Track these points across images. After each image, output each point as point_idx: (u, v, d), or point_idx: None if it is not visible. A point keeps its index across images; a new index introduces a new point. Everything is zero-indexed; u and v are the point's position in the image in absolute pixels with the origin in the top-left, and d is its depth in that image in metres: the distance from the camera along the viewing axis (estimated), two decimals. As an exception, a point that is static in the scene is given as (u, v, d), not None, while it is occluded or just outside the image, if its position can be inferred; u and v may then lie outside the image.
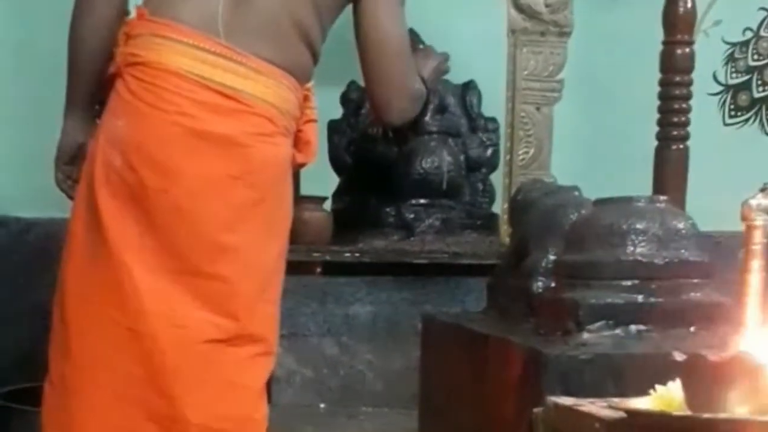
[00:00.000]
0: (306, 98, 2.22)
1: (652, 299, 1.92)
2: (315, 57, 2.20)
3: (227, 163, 2.05)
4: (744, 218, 1.43)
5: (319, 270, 3.18)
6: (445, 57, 2.87)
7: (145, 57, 2.07)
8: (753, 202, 1.42)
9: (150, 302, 2.02)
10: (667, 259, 1.94)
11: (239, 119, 2.06)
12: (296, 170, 2.27)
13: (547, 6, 3.65)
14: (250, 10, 2.09)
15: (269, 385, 3.14)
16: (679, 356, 1.36)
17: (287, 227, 2.21)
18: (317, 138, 2.28)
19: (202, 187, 2.04)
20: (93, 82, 2.18)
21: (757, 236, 1.42)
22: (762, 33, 4.19)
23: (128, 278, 2.02)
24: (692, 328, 1.90)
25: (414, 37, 3.46)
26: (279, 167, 2.13)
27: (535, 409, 1.73)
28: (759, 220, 1.42)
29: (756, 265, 1.42)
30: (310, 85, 2.23)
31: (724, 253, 1.97)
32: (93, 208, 2.05)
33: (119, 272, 2.03)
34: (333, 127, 3.42)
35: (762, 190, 1.44)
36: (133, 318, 2.03)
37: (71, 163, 2.21)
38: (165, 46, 2.06)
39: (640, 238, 1.95)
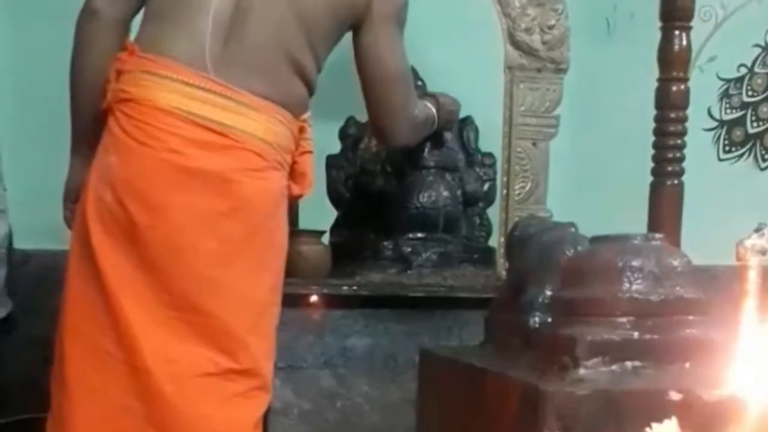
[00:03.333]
0: (302, 130, 2.22)
1: (648, 336, 1.93)
2: (310, 88, 2.20)
3: (216, 199, 2.05)
4: (738, 258, 1.45)
5: (316, 303, 3.19)
6: (457, 103, 2.89)
7: (135, 94, 2.07)
8: (747, 243, 1.45)
9: (143, 337, 2.03)
10: (663, 296, 1.95)
11: (228, 155, 2.06)
12: (293, 202, 2.28)
13: (543, 43, 3.68)
14: (241, 45, 2.09)
15: (266, 417, 3.15)
16: (675, 395, 1.38)
17: (281, 260, 2.20)
18: (313, 169, 2.28)
19: (191, 223, 2.04)
20: (97, 120, 2.18)
21: (752, 276, 1.44)
22: (756, 69, 4.23)
23: (121, 313, 2.03)
24: (688, 365, 1.91)
25: (412, 73, 3.50)
26: (270, 202, 2.13)
27: (532, 445, 1.74)
28: (753, 261, 1.44)
29: (751, 304, 1.44)
30: (306, 116, 2.23)
31: (720, 287, 1.99)
32: (86, 243, 2.06)
33: (113, 307, 2.03)
34: (331, 161, 3.44)
35: (756, 230, 1.47)
36: (128, 352, 2.03)
37: (79, 201, 2.21)
38: (154, 82, 2.06)
39: (636, 275, 1.97)
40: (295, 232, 2.96)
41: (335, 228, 3.45)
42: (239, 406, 2.14)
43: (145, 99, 2.06)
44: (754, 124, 4.25)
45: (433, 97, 2.84)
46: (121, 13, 2.17)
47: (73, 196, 2.26)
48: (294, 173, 2.23)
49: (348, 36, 2.37)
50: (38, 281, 3.36)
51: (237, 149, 2.07)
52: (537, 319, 2.18)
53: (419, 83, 3.46)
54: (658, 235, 2.12)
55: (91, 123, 2.20)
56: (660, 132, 3.06)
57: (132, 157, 2.06)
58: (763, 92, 4.24)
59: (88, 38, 2.17)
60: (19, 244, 3.16)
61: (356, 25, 2.29)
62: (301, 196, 2.29)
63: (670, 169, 3.06)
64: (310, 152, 2.27)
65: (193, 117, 2.05)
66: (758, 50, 4.23)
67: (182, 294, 2.05)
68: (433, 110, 2.63)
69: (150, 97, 2.05)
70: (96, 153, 2.13)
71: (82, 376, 2.08)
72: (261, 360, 2.17)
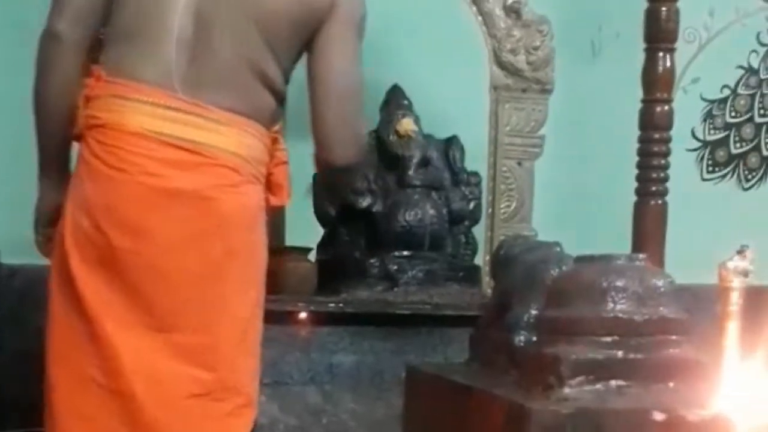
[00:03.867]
0: (275, 141, 2.18)
1: (632, 355, 1.94)
2: (278, 99, 2.17)
3: (196, 218, 2.03)
4: (721, 280, 1.47)
5: (302, 319, 3.20)
6: None
7: (105, 119, 2.05)
8: (730, 265, 1.47)
9: (128, 361, 2.02)
10: (646, 316, 1.97)
11: (203, 172, 2.04)
12: (276, 218, 2.27)
13: (528, 64, 3.72)
14: (206, 61, 2.07)
15: (252, 433, 3.16)
16: (658, 416, 1.39)
17: (262, 275, 2.18)
18: (289, 180, 2.25)
19: (175, 245, 2.02)
20: (63, 142, 2.16)
21: (734, 297, 1.46)
22: (739, 90, 4.27)
23: (105, 339, 2.02)
24: (671, 384, 1.92)
25: (398, 93, 3.52)
26: (248, 217, 2.11)
27: (517, 463, 1.75)
28: (735, 282, 1.46)
29: (733, 326, 1.46)
30: (277, 127, 2.21)
31: (703, 306, 2.01)
32: (66, 271, 2.05)
33: (96, 334, 2.02)
34: (318, 179, 3.46)
35: (738, 252, 1.49)
36: (114, 378, 2.03)
37: (51, 226, 2.17)
38: (124, 106, 2.04)
39: (620, 295, 1.98)
40: (282, 249, 2.98)
41: (322, 245, 3.46)
42: (229, 425, 2.13)
43: (117, 124, 2.04)
44: (738, 145, 4.29)
45: None
46: (82, 37, 2.14)
47: (44, 220, 2.24)
48: (270, 185, 2.20)
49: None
50: (24, 295, 3.36)
51: (211, 166, 2.05)
52: (522, 337, 2.19)
53: (405, 102, 3.49)
54: (641, 256, 2.13)
55: (57, 147, 2.17)
56: (644, 152, 3.09)
57: (108, 183, 2.04)
58: (747, 113, 4.28)
59: (51, 62, 2.13)
60: (5, 258, 3.16)
61: (315, 33, 2.25)
62: (280, 207, 2.28)
63: (654, 188, 3.08)
64: (285, 163, 2.24)
65: (165, 137, 2.02)
66: (741, 71, 4.27)
67: (166, 316, 2.03)
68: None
69: (121, 121, 2.03)
70: (71, 181, 2.12)
71: (69, 404, 2.06)
72: (247, 377, 2.16)
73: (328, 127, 2.24)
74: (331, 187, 2.52)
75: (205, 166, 2.04)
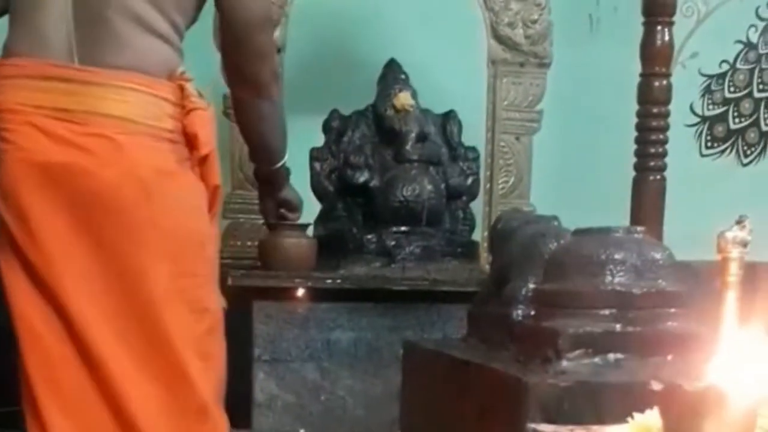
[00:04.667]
0: (182, 89, 2.07)
1: (630, 328, 1.94)
2: (172, 45, 2.07)
3: (74, 193, 1.95)
4: (720, 250, 1.46)
5: (300, 296, 3.20)
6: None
7: None
8: (729, 235, 1.45)
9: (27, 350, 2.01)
10: (644, 289, 1.96)
11: (77, 144, 1.92)
12: (202, 164, 2.13)
13: (526, 37, 3.70)
14: (89, 21, 1.98)
15: (249, 409, 3.16)
16: (656, 386, 1.39)
17: (176, 245, 2.02)
18: (209, 127, 2.09)
19: (57, 226, 1.98)
20: None
21: (733, 268, 1.45)
22: (738, 65, 4.25)
23: (16, 319, 2.01)
24: (669, 357, 1.92)
25: (395, 67, 3.50)
26: (136, 185, 1.97)
27: (516, 436, 1.75)
28: (734, 253, 1.45)
29: (732, 296, 1.45)
30: (179, 73, 2.10)
31: (701, 282, 2.01)
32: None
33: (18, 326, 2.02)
34: (315, 154, 3.45)
35: (737, 222, 1.47)
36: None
37: None
38: (6, 86, 2.01)
39: (618, 268, 1.98)
40: (280, 225, 2.97)
41: (319, 221, 3.45)
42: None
43: (0, 102, 2.02)
44: (736, 120, 4.28)
45: None
46: None
47: None
48: (186, 137, 2.05)
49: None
50: None
51: (85, 136, 1.93)
52: (520, 311, 2.19)
53: (402, 76, 3.47)
54: (640, 229, 2.13)
55: None
56: (642, 127, 3.08)
57: (1, 165, 2.02)
58: (745, 88, 4.27)
59: None
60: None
61: None
62: (204, 159, 2.15)
63: (652, 164, 3.08)
64: (200, 108, 2.06)
65: (42, 110, 1.94)
66: (740, 46, 4.25)
67: (69, 300, 2.00)
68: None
69: (3, 101, 2.01)
70: None
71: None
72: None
73: (246, 63, 2.18)
74: (261, 134, 2.42)
75: (81, 137, 1.93)
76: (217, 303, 2.15)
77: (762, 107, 4.29)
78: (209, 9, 2.15)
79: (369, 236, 3.31)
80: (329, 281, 3.17)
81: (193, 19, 2.17)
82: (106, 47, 1.99)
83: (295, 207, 2.70)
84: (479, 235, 3.68)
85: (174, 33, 2.07)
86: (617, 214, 3.01)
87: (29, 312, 1.98)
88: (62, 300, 1.96)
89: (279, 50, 3.30)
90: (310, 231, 3.34)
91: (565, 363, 1.90)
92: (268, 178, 2.53)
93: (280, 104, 2.36)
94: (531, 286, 2.19)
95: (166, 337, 2.00)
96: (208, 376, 2.09)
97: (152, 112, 2.00)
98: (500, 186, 3.78)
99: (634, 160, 3.10)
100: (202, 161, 2.09)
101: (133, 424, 1.99)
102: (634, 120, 3.09)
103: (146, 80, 1.99)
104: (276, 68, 2.27)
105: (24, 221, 1.96)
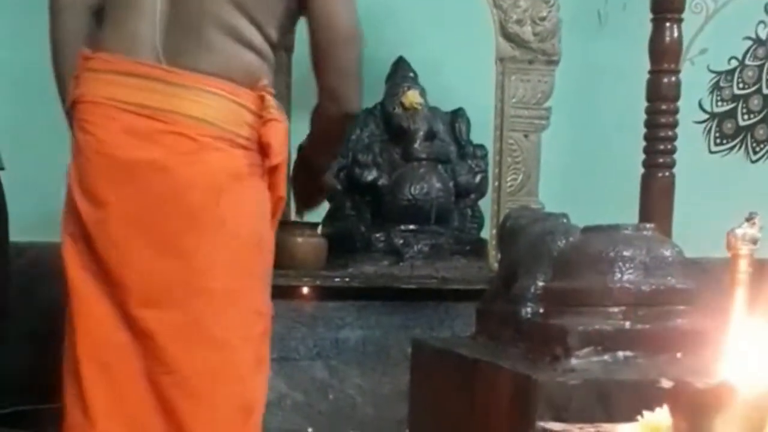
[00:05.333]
0: (262, 99, 2.12)
1: (639, 326, 1.93)
2: (262, 56, 2.10)
3: (151, 190, 2.02)
4: (729, 248, 1.45)
5: (309, 294, 3.20)
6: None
7: (77, 94, 2.06)
8: (738, 232, 1.45)
9: (82, 336, 2.03)
10: (653, 286, 1.96)
11: (159, 141, 1.98)
12: (273, 178, 2.16)
13: (535, 35, 3.69)
14: (173, 23, 2.03)
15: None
16: (666, 383, 1.38)
17: (240, 246, 2.08)
18: (282, 139, 2.15)
19: (132, 218, 2.01)
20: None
21: (743, 265, 1.44)
22: (747, 62, 4.24)
23: (75, 308, 2.03)
24: (679, 354, 1.92)
25: (404, 65, 3.50)
26: (211, 186, 2.03)
27: (525, 434, 1.74)
28: (744, 249, 1.44)
29: (741, 293, 1.44)
30: (263, 84, 2.13)
31: (710, 280, 2.00)
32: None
33: (72, 305, 2.04)
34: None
35: (747, 219, 1.47)
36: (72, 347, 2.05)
37: None
38: (92, 78, 2.04)
39: (627, 265, 1.97)
40: (290, 224, 2.97)
41: (327, 220, 3.45)
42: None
43: (86, 96, 2.04)
44: (745, 117, 4.27)
45: None
46: (82, 7, 2.18)
47: None
48: (261, 146, 2.11)
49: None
50: (32, 274, 3.35)
51: (168, 134, 2.00)
52: (529, 309, 2.18)
53: (410, 74, 3.47)
54: (649, 226, 2.12)
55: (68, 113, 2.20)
56: (651, 124, 3.07)
57: (79, 156, 2.04)
58: (754, 84, 4.26)
59: (58, 40, 2.18)
60: (14, 236, 3.15)
61: None
62: (274, 169, 2.18)
63: (661, 160, 3.07)
64: (276, 120, 2.12)
65: (126, 105, 2.00)
66: (749, 42, 4.24)
67: (132, 290, 2.01)
68: None
69: (87, 93, 2.04)
70: None
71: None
72: (224, 357, 2.12)
73: (333, 79, 2.22)
74: (331, 140, 2.45)
75: (163, 134, 1.99)
76: (269, 308, 2.20)
77: (771, 103, 4.28)
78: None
79: (377, 235, 3.31)
80: (338, 280, 3.17)
81: (288, 31, 2.24)
82: (193, 52, 2.05)
83: (326, 191, 2.71)
84: (488, 233, 3.67)
85: (266, 45, 2.13)
86: (626, 211, 3.00)
87: (89, 298, 2.02)
88: (123, 290, 2.00)
89: (288, 50, 3.31)
90: (318, 230, 3.33)
91: (574, 361, 1.89)
92: (313, 167, 2.54)
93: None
94: (540, 283, 2.18)
95: (223, 335, 2.05)
96: (259, 379, 2.15)
97: (232, 118, 2.05)
98: (509, 183, 3.76)
99: (642, 156, 3.09)
100: (272, 171, 2.14)
101: (180, 419, 2.02)
102: (643, 117, 3.08)
103: (229, 87, 2.05)
104: (359, 84, 2.31)
105: (97, 210, 2.01)
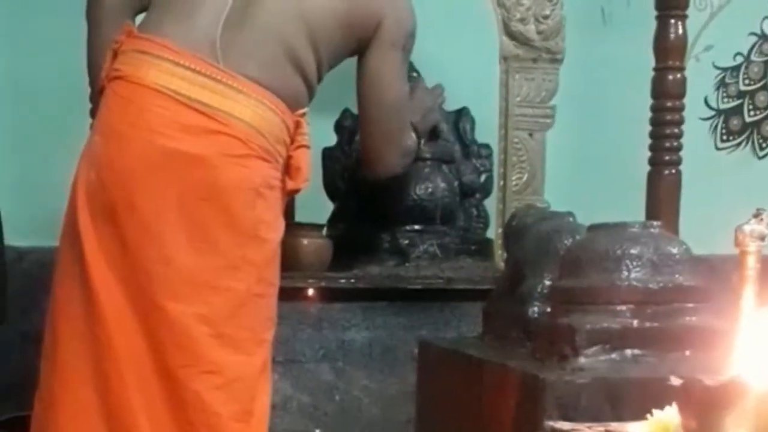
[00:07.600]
0: (298, 125, 2.19)
1: (648, 324, 1.92)
2: (308, 86, 2.19)
3: (192, 183, 2.02)
4: (737, 244, 1.44)
5: (314, 296, 3.19)
6: (439, 92, 2.87)
7: (125, 71, 2.06)
8: (746, 228, 1.44)
9: (114, 330, 2.02)
10: (661, 284, 1.95)
11: (209, 139, 2.02)
12: (289, 196, 2.25)
13: (539, 33, 3.68)
14: (241, 30, 2.07)
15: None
16: (675, 381, 1.37)
17: (264, 253, 2.14)
18: (309, 164, 2.26)
19: (165, 207, 2.01)
20: None
21: (751, 262, 1.44)
22: (753, 58, 4.22)
23: (96, 301, 2.02)
24: (688, 352, 1.91)
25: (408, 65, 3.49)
26: (248, 191, 2.07)
27: (533, 434, 1.73)
28: (752, 246, 1.44)
29: (750, 290, 1.43)
30: (302, 111, 2.21)
31: (718, 277, 1.99)
32: (74, 223, 2.06)
33: (91, 292, 2.03)
34: (327, 154, 3.44)
35: (755, 216, 1.46)
36: (105, 344, 2.03)
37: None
38: (145, 60, 2.05)
39: (634, 263, 1.96)
40: (295, 225, 2.96)
41: (332, 221, 3.44)
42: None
43: (134, 76, 2.05)
44: (751, 113, 4.25)
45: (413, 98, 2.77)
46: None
47: None
48: (289, 168, 2.20)
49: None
50: (32, 278, 3.34)
51: (220, 134, 2.04)
52: (536, 308, 2.18)
53: (414, 74, 3.46)
54: (656, 223, 2.11)
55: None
56: (657, 121, 3.06)
57: (114, 136, 2.05)
58: (760, 81, 4.24)
59: (95, 27, 2.22)
60: (13, 241, 3.15)
61: (363, 47, 2.29)
62: (296, 191, 2.26)
63: (667, 158, 3.05)
64: (306, 147, 2.24)
65: (180, 97, 2.02)
66: (754, 38, 4.22)
67: (155, 279, 2.01)
68: (415, 138, 2.65)
69: (139, 74, 2.05)
70: (89, 133, 2.14)
71: (70, 358, 2.07)
72: (240, 353, 2.13)
73: (375, 143, 2.29)
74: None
75: (214, 134, 2.03)
76: (276, 317, 2.28)
77: (776, 99, 4.27)
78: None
79: (382, 235, 3.30)
80: (343, 281, 3.16)
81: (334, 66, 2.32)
82: (252, 61, 2.10)
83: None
84: (493, 232, 3.66)
85: (315, 77, 2.23)
86: (632, 208, 2.99)
87: (109, 286, 2.02)
88: (148, 280, 2.01)
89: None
90: (323, 231, 3.32)
91: (582, 360, 1.89)
92: None
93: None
94: (546, 282, 2.18)
95: (238, 335, 2.10)
96: (263, 383, 2.22)
97: (276, 134, 2.13)
98: (514, 183, 3.76)
99: (648, 154, 3.08)
100: (291, 193, 2.25)
101: (191, 417, 2.03)
102: (648, 114, 3.07)
103: (282, 106, 2.13)
104: (404, 148, 2.38)
105: (130, 194, 2.02)
